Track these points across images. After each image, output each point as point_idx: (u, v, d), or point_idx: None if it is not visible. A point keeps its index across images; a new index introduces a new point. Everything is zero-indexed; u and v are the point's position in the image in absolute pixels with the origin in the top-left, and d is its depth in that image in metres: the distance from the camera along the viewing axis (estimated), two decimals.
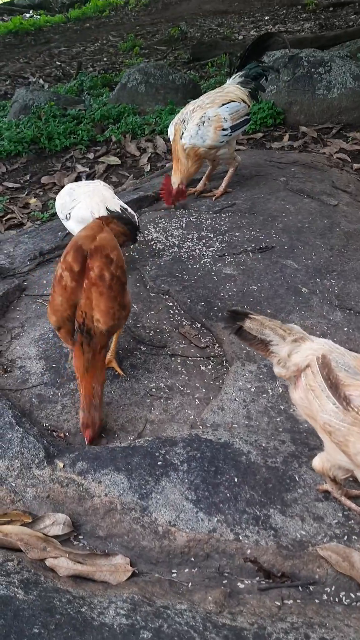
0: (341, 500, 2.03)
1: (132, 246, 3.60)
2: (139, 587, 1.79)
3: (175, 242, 3.65)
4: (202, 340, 2.88)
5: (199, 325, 2.97)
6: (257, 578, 1.87)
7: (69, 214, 3.17)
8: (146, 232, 3.77)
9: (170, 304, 3.11)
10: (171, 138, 3.98)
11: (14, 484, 2.15)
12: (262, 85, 4.19)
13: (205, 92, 4.87)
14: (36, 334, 2.94)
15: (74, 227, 3.11)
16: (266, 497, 2.06)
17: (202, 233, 3.73)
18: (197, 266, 3.38)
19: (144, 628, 1.63)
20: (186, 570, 1.91)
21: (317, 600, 1.79)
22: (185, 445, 2.24)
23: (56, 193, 5.19)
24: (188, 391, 2.61)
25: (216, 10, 13.04)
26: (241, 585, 1.84)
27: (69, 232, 3.32)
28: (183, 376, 2.69)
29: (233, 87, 4.03)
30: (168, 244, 3.63)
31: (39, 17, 15.27)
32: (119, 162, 5.78)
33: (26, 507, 2.11)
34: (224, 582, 1.85)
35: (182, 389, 2.62)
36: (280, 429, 2.38)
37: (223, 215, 3.94)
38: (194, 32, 11.21)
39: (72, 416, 2.49)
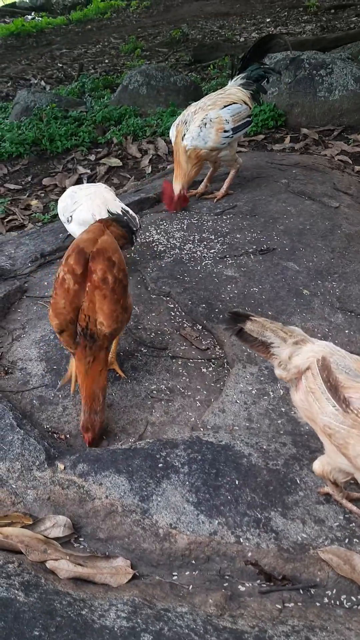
0: (342, 502, 2.02)
1: (132, 248, 3.60)
2: (139, 590, 1.79)
3: (177, 243, 3.65)
4: (203, 342, 2.88)
5: (200, 327, 2.97)
6: (258, 581, 1.86)
7: (71, 216, 3.18)
8: (147, 233, 3.77)
9: (171, 305, 3.11)
10: (173, 140, 3.99)
11: (14, 486, 2.15)
12: (263, 87, 4.19)
13: (206, 94, 4.87)
14: (37, 336, 2.94)
15: (76, 229, 3.11)
16: (267, 499, 2.06)
17: (204, 235, 3.73)
18: (198, 268, 3.38)
19: (144, 631, 1.62)
20: (187, 573, 1.90)
21: (318, 604, 1.79)
22: (186, 448, 2.23)
23: (57, 195, 5.21)
24: (189, 393, 2.61)
25: (218, 13, 13.06)
26: (242, 588, 1.83)
27: (70, 234, 3.33)
28: (184, 378, 2.69)
29: (235, 89, 4.04)
30: (169, 245, 3.63)
31: (40, 19, 15.29)
32: (120, 164, 5.79)
33: (27, 509, 2.10)
34: (225, 585, 1.85)
35: (183, 391, 2.62)
36: (282, 432, 2.37)
37: (224, 217, 3.94)
38: (196, 34, 11.22)
39: (72, 418, 2.49)
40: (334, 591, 1.83)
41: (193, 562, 1.94)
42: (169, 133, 4.16)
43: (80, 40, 12.53)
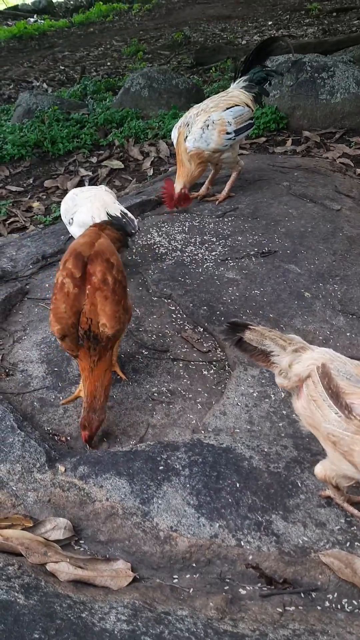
0: (344, 506, 2.02)
1: (133, 250, 3.60)
2: (140, 593, 1.78)
3: (178, 246, 3.65)
4: (205, 345, 2.88)
5: (201, 329, 2.97)
6: (259, 584, 1.86)
7: (72, 218, 3.19)
8: (149, 235, 3.77)
9: (173, 308, 3.10)
10: (175, 141, 3.99)
11: (15, 488, 2.14)
12: (266, 90, 4.20)
13: (208, 96, 4.88)
14: (38, 338, 2.94)
15: (77, 231, 3.12)
16: (268, 502, 2.05)
17: (205, 237, 3.73)
18: (200, 270, 3.38)
19: (144, 634, 1.62)
20: (187, 576, 1.90)
21: (319, 607, 1.78)
22: (187, 450, 2.23)
23: (59, 197, 5.21)
24: (190, 395, 2.60)
25: (220, 15, 13.08)
26: (243, 592, 1.83)
27: (72, 236, 3.33)
28: (185, 380, 2.68)
29: (237, 92, 4.04)
30: (171, 248, 3.63)
31: (43, 21, 15.34)
32: (122, 166, 5.79)
33: (27, 511, 2.10)
34: (226, 588, 1.84)
35: (184, 393, 2.62)
36: (283, 434, 2.37)
37: (226, 220, 3.94)
38: (198, 37, 11.24)
39: (73, 420, 2.48)
40: (335, 595, 1.82)
41: (194, 565, 1.93)
42: (170, 135, 4.17)
43: (82, 43, 12.56)
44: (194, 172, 3.95)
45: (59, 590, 1.76)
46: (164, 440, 2.34)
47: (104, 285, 2.31)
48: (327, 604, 1.80)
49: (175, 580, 1.88)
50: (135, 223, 3.10)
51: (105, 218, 3.01)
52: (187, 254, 3.56)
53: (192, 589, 1.83)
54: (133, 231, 3.05)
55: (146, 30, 12.92)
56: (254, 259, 3.47)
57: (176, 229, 3.85)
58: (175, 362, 2.77)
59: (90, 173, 5.70)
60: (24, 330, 3.02)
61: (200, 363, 2.78)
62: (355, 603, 1.80)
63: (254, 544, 1.94)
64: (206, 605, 1.75)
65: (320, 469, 1.96)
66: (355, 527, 1.99)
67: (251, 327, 1.98)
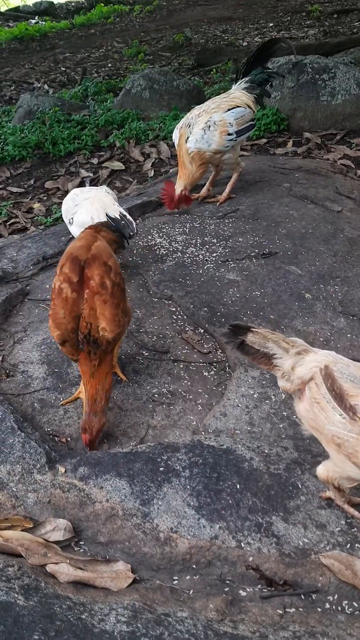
0: (344, 507, 2.02)
1: (134, 251, 3.60)
2: (140, 594, 1.78)
3: (179, 247, 3.65)
4: (205, 346, 2.88)
5: (202, 330, 2.97)
6: (259, 586, 1.85)
7: (72, 219, 3.20)
8: (149, 237, 3.77)
9: (173, 309, 3.10)
10: (176, 142, 4.00)
11: (15, 489, 2.14)
12: (267, 91, 4.20)
13: (209, 98, 4.88)
14: (39, 339, 2.94)
15: (77, 231, 3.12)
16: (268, 504, 2.05)
17: (206, 238, 3.73)
18: (201, 271, 3.38)
19: (144, 635, 1.61)
20: (188, 578, 1.89)
21: (319, 609, 1.78)
22: (188, 451, 2.23)
23: (60, 198, 5.21)
24: (190, 397, 2.60)
25: (221, 17, 13.09)
26: (243, 593, 1.82)
27: (72, 236, 3.33)
28: (185, 382, 2.68)
29: (239, 93, 4.05)
30: (171, 249, 3.63)
31: (44, 23, 15.36)
32: (123, 168, 5.79)
33: (27, 512, 2.10)
34: (226, 589, 1.84)
35: (184, 394, 2.61)
36: (283, 436, 2.37)
37: (226, 221, 3.94)
38: (199, 39, 11.25)
39: (74, 421, 2.48)
40: (336, 597, 1.82)
41: (194, 566, 1.93)
42: (171, 137, 4.17)
43: (83, 45, 12.57)
44: (195, 173, 3.96)
45: (59, 592, 1.76)
46: (165, 441, 2.34)
47: (102, 289, 2.29)
48: (327, 605, 1.79)
49: (175, 582, 1.87)
50: (134, 225, 3.10)
51: (105, 219, 3.01)
52: (187, 255, 3.56)
53: (192, 591, 1.83)
54: (132, 233, 3.05)
55: (147, 31, 12.93)
56: (254, 260, 3.47)
57: (177, 230, 3.85)
58: (175, 364, 2.77)
59: (91, 174, 5.70)
60: (25, 331, 3.02)
61: (201, 364, 2.78)
62: (356, 605, 1.80)
63: (254, 545, 1.94)
64: (206, 607, 1.74)
65: (322, 470, 1.95)
66: (355, 529, 1.99)
67: (254, 329, 1.97)
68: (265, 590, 1.84)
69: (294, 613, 1.75)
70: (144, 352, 2.83)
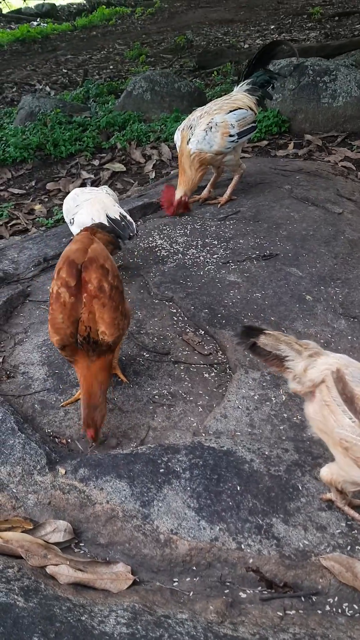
0: (344, 509, 2.01)
1: (135, 253, 3.60)
2: (139, 596, 1.78)
3: (180, 249, 3.65)
4: (206, 348, 2.87)
5: (203, 332, 2.97)
6: (259, 588, 1.85)
7: (73, 219, 3.21)
8: (150, 238, 3.77)
9: (174, 310, 3.10)
10: (177, 145, 4.00)
11: (15, 490, 2.14)
12: (269, 93, 4.20)
13: (210, 100, 4.88)
14: (39, 340, 2.94)
15: (77, 232, 3.12)
16: (269, 505, 2.05)
17: (207, 240, 3.73)
18: (201, 273, 3.38)
19: (144, 637, 1.61)
20: (188, 579, 1.89)
21: (319, 611, 1.77)
22: (188, 453, 2.23)
23: (61, 199, 5.22)
24: (191, 398, 2.60)
25: (222, 19, 13.10)
26: (243, 595, 1.82)
27: (74, 237, 3.33)
28: (186, 383, 2.68)
29: (241, 95, 4.05)
30: (172, 250, 3.63)
31: (46, 25, 15.38)
32: (124, 169, 5.80)
33: (27, 514, 2.10)
34: (226, 591, 1.84)
35: (185, 396, 2.61)
36: (284, 437, 2.36)
37: (227, 223, 3.94)
38: (200, 41, 11.26)
39: (74, 422, 2.48)
40: (336, 599, 1.82)
41: (194, 568, 1.93)
42: (172, 138, 4.18)
43: (85, 47, 12.59)
44: (194, 178, 3.96)
45: (59, 593, 1.76)
46: (165, 442, 2.34)
47: (100, 292, 2.28)
48: (327, 608, 1.79)
49: (176, 584, 1.87)
50: (134, 226, 3.10)
51: (105, 220, 3.01)
52: (188, 256, 3.56)
53: (192, 592, 1.83)
54: (132, 234, 3.05)
55: (149, 33, 12.95)
56: (255, 262, 3.47)
57: (178, 231, 3.85)
58: (176, 365, 2.77)
59: (92, 176, 5.71)
60: (25, 332, 3.02)
61: (202, 366, 2.78)
62: (356, 607, 1.79)
63: (254, 547, 1.93)
64: (206, 609, 1.74)
65: (326, 473, 1.95)
66: (356, 531, 1.98)
67: (266, 332, 1.96)
68: (266, 592, 1.83)
69: (294, 615, 1.75)
70: (144, 354, 2.83)
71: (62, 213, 3.53)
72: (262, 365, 2.70)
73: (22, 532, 1.99)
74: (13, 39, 13.52)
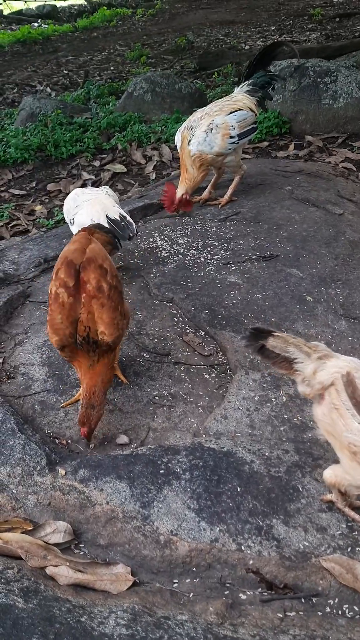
0: (345, 511, 2.01)
1: (135, 254, 3.60)
2: (139, 597, 1.77)
3: (180, 249, 3.65)
4: (206, 348, 2.87)
5: (203, 333, 2.96)
6: (260, 589, 1.85)
7: (73, 219, 3.21)
8: (151, 239, 3.77)
9: (174, 311, 3.10)
10: (178, 145, 4.00)
11: (15, 491, 2.14)
12: (269, 94, 4.20)
13: (211, 101, 4.88)
14: (40, 341, 2.94)
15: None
16: (269, 507, 2.05)
17: (207, 241, 3.73)
18: (202, 274, 3.38)
19: (144, 639, 1.61)
20: (187, 581, 1.89)
21: (320, 613, 1.77)
22: (188, 454, 2.22)
23: (61, 200, 5.22)
24: (191, 399, 2.60)
25: (223, 21, 13.11)
26: (243, 597, 1.82)
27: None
28: (186, 384, 2.68)
29: (241, 96, 4.05)
30: (173, 251, 3.63)
31: (47, 26, 15.41)
32: (125, 170, 5.80)
33: (27, 515, 2.09)
34: (226, 593, 1.83)
35: (185, 397, 2.61)
36: (284, 439, 2.36)
37: (228, 224, 3.94)
38: (201, 42, 11.27)
39: (74, 423, 2.48)
40: (336, 600, 1.81)
41: (194, 569, 1.92)
42: (173, 140, 4.18)
43: (86, 48, 12.60)
44: (196, 177, 3.96)
45: (59, 594, 1.76)
46: (165, 443, 2.34)
47: (99, 292, 2.28)
48: (328, 609, 1.79)
49: (175, 585, 1.87)
50: (134, 227, 3.10)
51: (105, 221, 3.01)
52: (189, 257, 3.56)
53: (192, 594, 1.83)
54: (131, 235, 3.05)
55: (149, 35, 12.96)
56: (255, 263, 3.47)
57: (178, 232, 3.85)
58: (176, 366, 2.77)
59: (93, 177, 5.71)
60: (26, 333, 3.02)
61: (202, 367, 2.77)
62: (357, 609, 1.79)
63: (254, 548, 1.93)
64: (206, 610, 1.74)
65: (330, 475, 1.94)
66: (356, 532, 1.98)
67: (275, 334, 1.95)
68: (266, 593, 1.83)
69: (295, 617, 1.74)
70: (144, 355, 2.83)
71: (62, 214, 3.53)
72: (262, 367, 2.70)
73: (21, 533, 1.99)
74: (14, 40, 13.54)
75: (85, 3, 18.62)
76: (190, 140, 3.89)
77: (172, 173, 5.41)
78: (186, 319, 3.05)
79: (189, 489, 2.09)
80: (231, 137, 3.88)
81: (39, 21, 16.59)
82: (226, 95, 4.19)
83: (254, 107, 4.03)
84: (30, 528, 2.01)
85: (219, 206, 4.18)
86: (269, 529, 1.98)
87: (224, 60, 9.24)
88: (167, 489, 2.09)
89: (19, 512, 2.10)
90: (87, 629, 1.62)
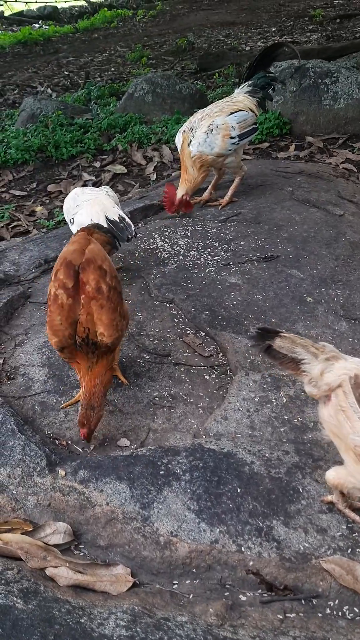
0: (345, 512, 2.01)
1: (136, 254, 3.60)
2: (139, 598, 1.77)
3: (181, 250, 3.64)
4: (206, 349, 2.87)
5: (203, 334, 2.96)
6: (260, 590, 1.84)
7: (72, 219, 3.21)
8: (151, 240, 3.77)
9: (175, 312, 3.10)
10: (179, 146, 4.01)
11: (15, 492, 2.14)
12: (269, 95, 4.21)
13: (212, 102, 4.89)
14: (40, 341, 2.94)
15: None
16: (269, 508, 2.04)
17: (208, 242, 3.73)
18: (202, 275, 3.38)
19: None
20: (187, 582, 1.88)
21: (320, 614, 1.77)
22: (188, 455, 2.22)
23: (62, 201, 5.21)
24: (191, 400, 2.60)
25: (223, 22, 13.11)
26: (243, 598, 1.82)
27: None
28: (187, 385, 2.68)
29: (242, 97, 4.06)
30: (173, 252, 3.63)
31: (47, 27, 15.41)
32: (125, 171, 5.80)
33: (27, 515, 2.09)
34: (226, 594, 1.83)
35: (185, 398, 2.61)
36: (284, 440, 2.36)
37: (228, 224, 3.94)
38: (202, 43, 11.27)
39: (74, 424, 2.47)
40: (337, 602, 1.81)
41: (194, 570, 1.92)
42: (174, 140, 4.18)
43: (86, 49, 12.60)
44: (197, 178, 3.96)
45: (58, 595, 1.75)
46: (165, 444, 2.34)
47: (98, 293, 2.27)
48: (328, 611, 1.78)
49: (175, 586, 1.87)
50: (133, 228, 3.10)
51: (104, 222, 3.01)
52: (189, 258, 3.56)
53: (192, 595, 1.82)
54: (130, 236, 3.05)
55: (150, 36, 12.96)
56: (256, 264, 3.47)
57: (179, 233, 3.85)
58: (176, 367, 2.77)
59: (93, 178, 5.71)
60: (26, 333, 3.02)
61: (202, 368, 2.77)
62: (357, 610, 1.79)
63: (254, 549, 1.93)
64: (206, 612, 1.74)
65: (333, 476, 1.93)
66: (356, 534, 1.98)
67: (282, 334, 1.95)
68: (266, 595, 1.83)
69: (295, 618, 1.74)
70: (145, 355, 2.83)
71: (62, 215, 3.53)
72: (262, 368, 2.69)
73: (21, 533, 1.99)
74: (15, 42, 13.55)
75: (86, 4, 18.64)
76: (190, 141, 3.89)
77: (173, 174, 5.41)
78: (186, 320, 3.05)
79: (189, 490, 2.09)
80: (232, 137, 3.88)
81: (39, 22, 16.59)
82: (227, 96, 4.20)
83: (254, 107, 4.04)
84: (30, 529, 2.01)
85: (220, 207, 4.18)
86: (269, 530, 1.98)
87: (225, 61, 9.24)
88: (167, 490, 2.09)
89: (18, 513, 2.10)
90: (86, 630, 1.62)
